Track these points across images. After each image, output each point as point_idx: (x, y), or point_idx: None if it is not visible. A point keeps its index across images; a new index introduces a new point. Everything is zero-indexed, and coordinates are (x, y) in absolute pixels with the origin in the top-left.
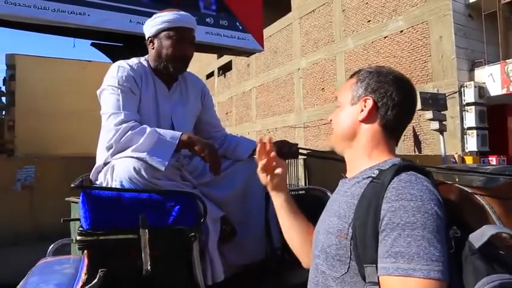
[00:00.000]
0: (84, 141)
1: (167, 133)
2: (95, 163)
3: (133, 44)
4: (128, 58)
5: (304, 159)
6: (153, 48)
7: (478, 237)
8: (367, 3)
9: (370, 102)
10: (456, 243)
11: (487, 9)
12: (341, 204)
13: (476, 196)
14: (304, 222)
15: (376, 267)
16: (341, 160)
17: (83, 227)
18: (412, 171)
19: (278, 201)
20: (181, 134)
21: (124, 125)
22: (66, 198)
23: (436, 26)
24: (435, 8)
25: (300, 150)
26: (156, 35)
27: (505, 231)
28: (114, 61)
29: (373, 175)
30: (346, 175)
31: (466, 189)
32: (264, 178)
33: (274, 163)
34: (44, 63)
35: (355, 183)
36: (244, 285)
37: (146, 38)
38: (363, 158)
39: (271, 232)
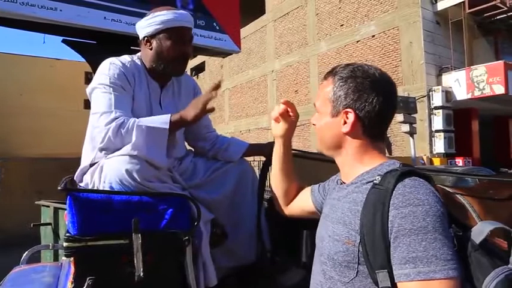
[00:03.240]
0: (53, 142)
1: (155, 123)
2: (65, 164)
3: (107, 42)
4: (101, 56)
5: None
6: (150, 49)
7: (477, 233)
8: (340, 7)
9: (351, 116)
10: (458, 241)
11: (454, 17)
12: (344, 211)
13: (457, 195)
14: (293, 172)
15: (388, 272)
16: (334, 161)
17: (70, 233)
18: (414, 176)
19: (279, 143)
20: (168, 125)
21: (113, 124)
22: (36, 202)
23: (406, 32)
24: (405, 14)
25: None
26: (154, 35)
27: (502, 227)
28: (86, 59)
29: (375, 181)
30: (343, 180)
31: (447, 189)
32: (276, 126)
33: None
34: (9, 60)
35: (355, 188)
36: None
37: (141, 37)
38: (356, 164)
39: (262, 234)
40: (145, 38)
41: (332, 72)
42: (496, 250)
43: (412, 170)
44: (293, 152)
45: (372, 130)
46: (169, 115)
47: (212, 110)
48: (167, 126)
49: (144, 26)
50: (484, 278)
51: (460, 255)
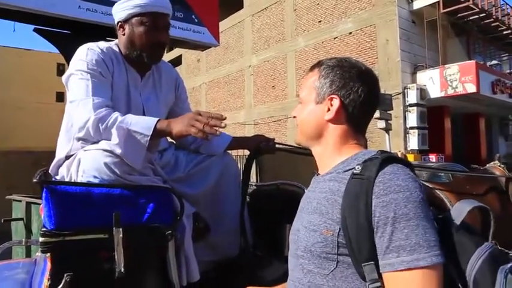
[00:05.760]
0: (24, 135)
1: (138, 128)
2: (37, 158)
3: (81, 32)
4: (76, 47)
5: None
6: (123, 35)
7: (457, 214)
8: (318, 4)
9: (336, 102)
10: (439, 224)
11: (429, 16)
12: (320, 201)
13: (436, 191)
14: None
15: (375, 264)
16: None
17: (46, 227)
18: (395, 163)
19: None
20: (151, 131)
21: (92, 117)
22: (7, 197)
23: (382, 30)
24: (382, 12)
25: (278, 145)
26: (126, 20)
27: (479, 205)
28: (59, 49)
29: (355, 170)
30: (318, 172)
31: (426, 184)
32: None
33: None
34: None
35: (331, 178)
36: (218, 283)
37: (115, 22)
38: (334, 155)
39: (245, 228)
40: (119, 24)
41: (318, 64)
42: (475, 228)
43: (392, 156)
44: (277, 145)
45: (355, 119)
46: (156, 121)
47: (205, 138)
48: (149, 133)
49: (118, 11)
50: (468, 258)
51: (442, 238)
